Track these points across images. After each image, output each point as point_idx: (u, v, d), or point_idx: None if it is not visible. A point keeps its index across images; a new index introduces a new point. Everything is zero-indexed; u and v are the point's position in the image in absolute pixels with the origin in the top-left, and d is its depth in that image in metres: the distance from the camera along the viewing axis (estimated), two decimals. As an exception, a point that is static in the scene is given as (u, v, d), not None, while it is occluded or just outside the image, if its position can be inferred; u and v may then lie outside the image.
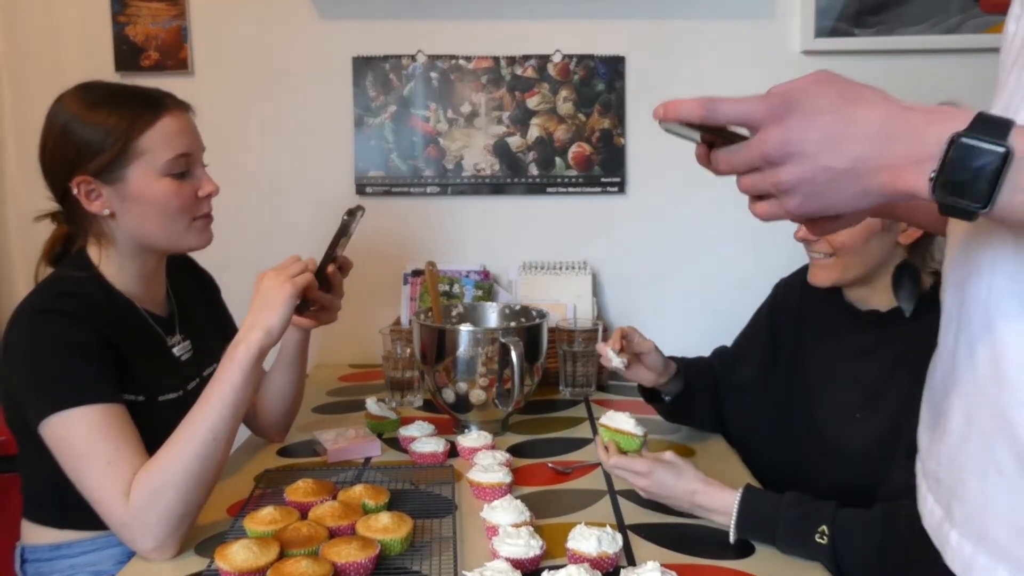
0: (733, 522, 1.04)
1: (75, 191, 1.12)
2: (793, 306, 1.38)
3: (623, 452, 1.13)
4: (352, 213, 1.24)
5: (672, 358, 1.39)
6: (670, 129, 0.67)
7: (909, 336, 1.15)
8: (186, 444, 1.00)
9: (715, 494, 1.07)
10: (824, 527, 0.99)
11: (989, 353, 0.63)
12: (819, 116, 0.60)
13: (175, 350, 1.25)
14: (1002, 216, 0.56)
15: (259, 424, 1.38)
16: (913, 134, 0.57)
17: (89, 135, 1.11)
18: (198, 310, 1.34)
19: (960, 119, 0.56)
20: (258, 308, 1.07)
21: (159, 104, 1.15)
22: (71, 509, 1.05)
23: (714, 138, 0.66)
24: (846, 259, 1.20)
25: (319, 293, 1.19)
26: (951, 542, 0.68)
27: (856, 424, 1.20)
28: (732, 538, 1.04)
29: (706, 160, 0.69)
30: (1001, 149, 0.54)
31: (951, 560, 0.68)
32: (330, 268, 1.23)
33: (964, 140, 0.54)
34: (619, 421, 1.16)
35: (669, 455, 1.12)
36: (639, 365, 1.33)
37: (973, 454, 0.65)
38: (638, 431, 1.14)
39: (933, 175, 0.56)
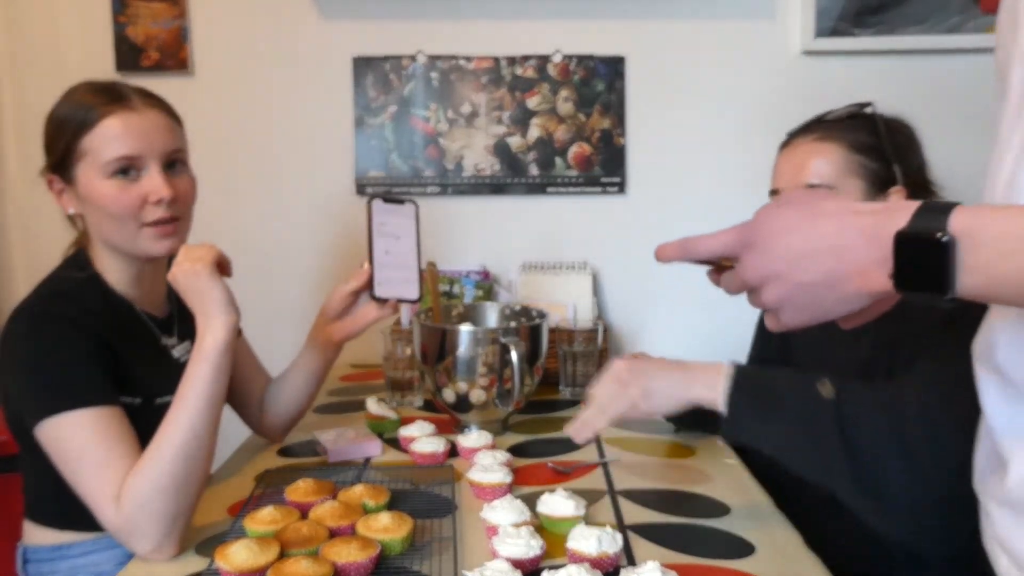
0: (725, 389, 0.98)
1: (50, 188, 1.14)
2: None
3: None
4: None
5: None
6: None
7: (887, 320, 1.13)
8: (168, 446, 0.99)
9: (698, 366, 1.04)
10: (826, 380, 0.94)
11: None
12: (783, 237, 0.64)
13: (174, 352, 1.25)
14: (973, 297, 0.56)
15: (263, 424, 1.38)
16: (866, 240, 0.60)
17: (51, 132, 1.13)
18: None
19: (904, 214, 0.57)
20: (203, 302, 1.03)
21: (113, 102, 1.11)
22: (72, 510, 1.05)
23: (713, 263, 0.73)
24: None
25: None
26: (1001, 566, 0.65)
27: None
28: (723, 404, 0.98)
29: (715, 282, 0.75)
30: (942, 238, 0.55)
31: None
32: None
33: (905, 235, 0.57)
34: (556, 507, 1.03)
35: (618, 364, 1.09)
36: None
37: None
38: (578, 512, 1.02)
39: (891, 274, 0.58)
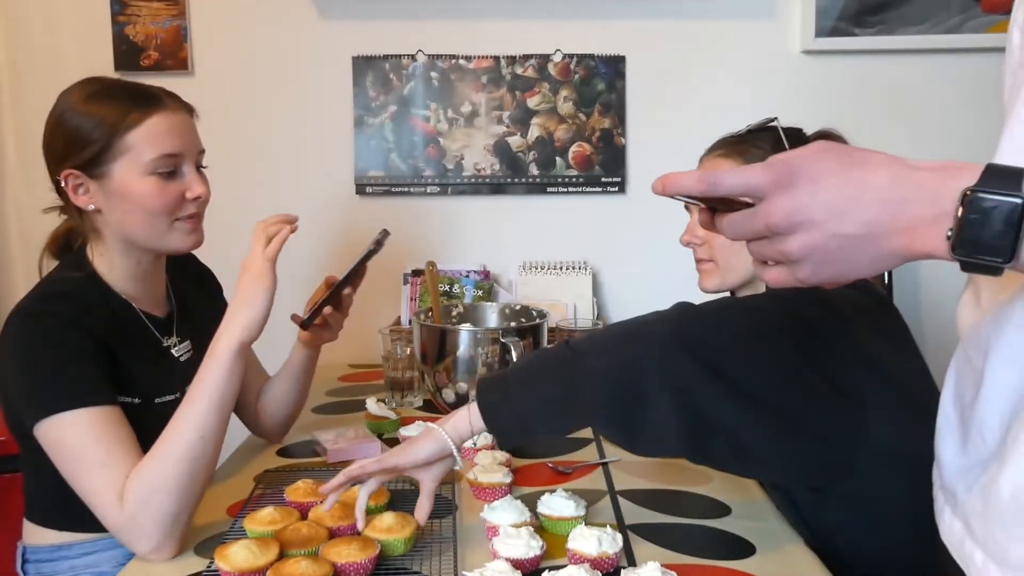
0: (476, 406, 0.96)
1: (63, 184, 1.12)
2: None
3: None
4: (380, 242, 1.23)
5: None
6: (675, 196, 0.65)
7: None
8: (174, 445, 0.99)
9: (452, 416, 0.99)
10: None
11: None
12: (825, 182, 0.58)
13: (173, 351, 1.25)
14: None
15: (259, 425, 1.38)
16: (925, 194, 0.55)
17: (78, 128, 1.10)
18: (199, 309, 1.33)
19: (970, 173, 0.54)
20: (238, 301, 1.06)
21: (152, 102, 1.13)
22: (72, 511, 1.05)
23: (719, 203, 0.64)
24: (724, 264, 1.22)
25: (328, 311, 1.22)
26: (976, 562, 0.65)
27: None
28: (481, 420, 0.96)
29: (709, 225, 0.67)
30: (1018, 200, 0.52)
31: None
32: (347, 290, 1.23)
33: (979, 195, 0.53)
34: (556, 507, 1.04)
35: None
36: None
37: (1009, 476, 0.63)
38: (579, 512, 1.03)
39: (950, 234, 0.54)
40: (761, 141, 1.18)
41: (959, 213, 0.53)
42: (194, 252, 1.38)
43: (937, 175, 0.56)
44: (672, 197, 0.65)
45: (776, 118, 1.15)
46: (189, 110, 1.19)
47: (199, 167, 1.19)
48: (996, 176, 0.53)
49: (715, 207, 0.65)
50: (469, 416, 0.97)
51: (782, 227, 0.59)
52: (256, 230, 1.10)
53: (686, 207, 0.75)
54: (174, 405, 1.11)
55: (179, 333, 1.27)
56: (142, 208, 1.12)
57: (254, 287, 1.06)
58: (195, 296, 1.35)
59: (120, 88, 1.15)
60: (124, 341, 1.13)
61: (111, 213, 1.14)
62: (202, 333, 1.30)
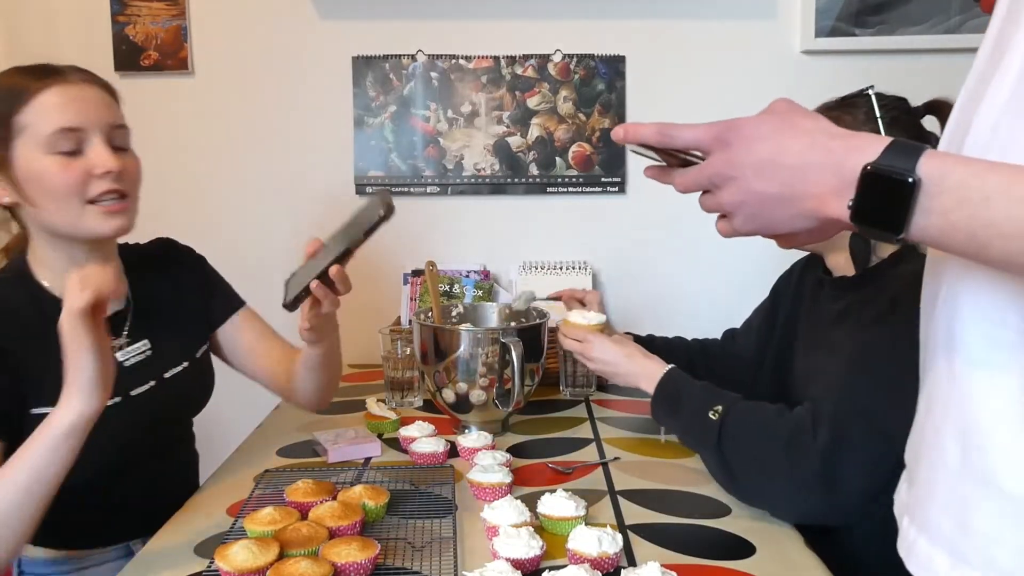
0: (654, 386, 1.24)
1: None
2: (793, 280, 1.43)
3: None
4: (390, 208, 1.04)
5: (647, 337, 1.54)
6: (633, 149, 0.74)
7: (866, 299, 1.15)
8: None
9: (650, 362, 1.29)
10: (720, 407, 1.13)
11: (947, 341, 0.66)
12: (755, 144, 0.64)
13: (117, 354, 1.14)
14: (922, 240, 0.58)
15: (297, 397, 1.34)
16: (832, 164, 0.60)
17: None
18: (167, 305, 1.25)
19: (876, 146, 0.58)
20: (68, 375, 0.90)
21: (50, 75, 1.05)
22: (63, 532, 1.02)
23: (671, 158, 0.72)
24: None
25: (316, 286, 1.06)
26: (902, 525, 0.71)
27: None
28: (651, 409, 1.26)
29: (657, 177, 0.76)
30: (908, 179, 0.56)
31: (899, 544, 0.72)
32: (333, 268, 1.05)
33: (873, 171, 0.57)
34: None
35: (618, 335, 1.38)
36: None
37: (927, 442, 0.69)
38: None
39: (850, 204, 0.59)
40: (855, 110, 1.19)
41: (858, 186, 0.58)
42: (175, 239, 1.33)
43: (848, 146, 0.60)
44: (631, 148, 0.74)
45: (872, 86, 1.19)
46: (101, 84, 1.10)
47: (116, 145, 1.09)
48: (897, 152, 0.57)
49: (668, 161, 0.73)
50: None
51: (717, 180, 0.67)
52: (71, 280, 0.89)
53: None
54: (115, 409, 1.04)
55: (132, 333, 1.19)
56: (47, 191, 1.04)
57: (72, 353, 0.88)
58: (166, 289, 1.27)
59: (20, 70, 1.07)
60: (47, 345, 0.97)
61: (27, 205, 1.06)
62: (169, 330, 1.24)
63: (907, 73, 1.98)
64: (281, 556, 0.91)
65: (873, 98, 1.16)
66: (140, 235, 1.23)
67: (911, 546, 0.69)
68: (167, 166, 2.01)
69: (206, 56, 2.02)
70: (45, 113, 1.03)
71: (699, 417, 1.15)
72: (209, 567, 0.94)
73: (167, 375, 1.22)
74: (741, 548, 1.02)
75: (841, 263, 1.25)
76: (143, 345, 1.19)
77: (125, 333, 1.19)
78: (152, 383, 1.19)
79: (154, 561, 0.98)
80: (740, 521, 1.09)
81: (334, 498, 1.06)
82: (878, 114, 1.15)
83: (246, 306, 1.39)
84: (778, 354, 1.40)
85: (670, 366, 1.26)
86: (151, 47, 2.00)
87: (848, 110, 1.18)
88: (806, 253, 1.46)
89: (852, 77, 2.03)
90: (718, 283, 2.04)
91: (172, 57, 2.00)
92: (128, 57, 2.00)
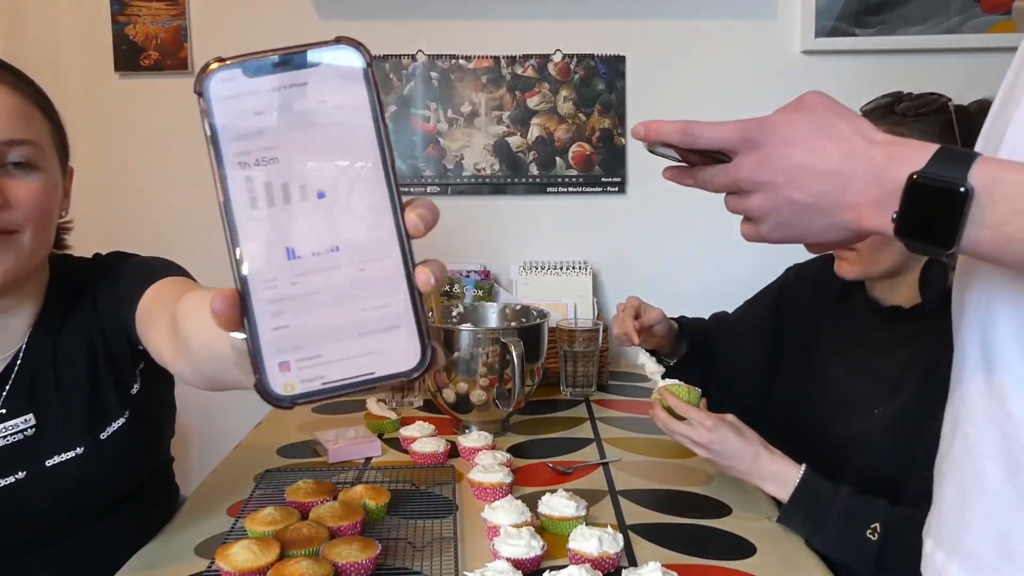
0: (790, 493, 1.05)
1: None
2: (805, 297, 1.40)
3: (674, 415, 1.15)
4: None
5: (673, 319, 1.51)
6: (651, 148, 0.68)
7: (931, 332, 1.13)
8: None
9: (778, 460, 1.09)
10: (877, 524, 0.99)
11: (982, 355, 0.61)
12: (789, 148, 0.59)
13: None
14: (973, 253, 0.54)
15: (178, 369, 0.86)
16: (873, 174, 0.56)
17: None
18: (67, 370, 0.98)
19: (922, 154, 0.53)
20: None
21: None
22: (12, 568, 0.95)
23: (694, 157, 0.66)
24: (867, 254, 1.18)
25: None
26: (925, 548, 0.67)
27: (875, 419, 1.18)
28: (779, 515, 1.07)
29: (677, 178, 0.69)
30: (961, 188, 0.51)
31: (924, 567, 0.67)
32: None
33: (921, 181, 0.52)
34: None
35: (731, 417, 1.13)
36: (649, 336, 1.41)
37: (955, 462, 0.64)
38: (579, 512, 1.06)
39: (895, 216, 0.54)
40: (931, 118, 1.13)
41: (903, 197, 0.54)
42: (123, 250, 1.05)
43: (890, 153, 0.56)
44: (650, 148, 0.68)
45: (948, 97, 1.12)
46: (13, 85, 0.90)
47: (14, 166, 0.87)
48: (946, 160, 0.53)
49: (690, 161, 0.67)
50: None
51: (746, 185, 0.61)
52: None
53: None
54: None
55: (8, 406, 0.93)
56: None
57: None
58: (71, 351, 0.98)
59: None
60: None
61: None
62: (63, 405, 0.98)
63: (907, 73, 1.98)
64: (282, 556, 0.91)
65: (952, 112, 1.09)
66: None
67: (942, 571, 0.65)
68: (167, 166, 2.01)
69: (206, 56, 1.99)
70: None
71: (852, 538, 1.01)
72: (209, 567, 0.94)
73: (50, 463, 0.95)
74: (742, 548, 1.02)
75: (888, 291, 1.23)
76: (30, 419, 0.95)
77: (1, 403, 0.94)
78: (25, 472, 0.94)
79: (154, 561, 0.98)
80: (741, 521, 1.09)
81: (335, 498, 1.06)
82: (956, 131, 1.08)
83: (159, 282, 0.96)
84: (792, 362, 1.38)
85: (802, 468, 1.07)
86: (151, 47, 2.00)
87: (915, 123, 1.11)
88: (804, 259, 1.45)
89: (852, 77, 2.04)
90: (717, 283, 2.03)
91: (172, 57, 2.00)
92: (128, 57, 1.99)
